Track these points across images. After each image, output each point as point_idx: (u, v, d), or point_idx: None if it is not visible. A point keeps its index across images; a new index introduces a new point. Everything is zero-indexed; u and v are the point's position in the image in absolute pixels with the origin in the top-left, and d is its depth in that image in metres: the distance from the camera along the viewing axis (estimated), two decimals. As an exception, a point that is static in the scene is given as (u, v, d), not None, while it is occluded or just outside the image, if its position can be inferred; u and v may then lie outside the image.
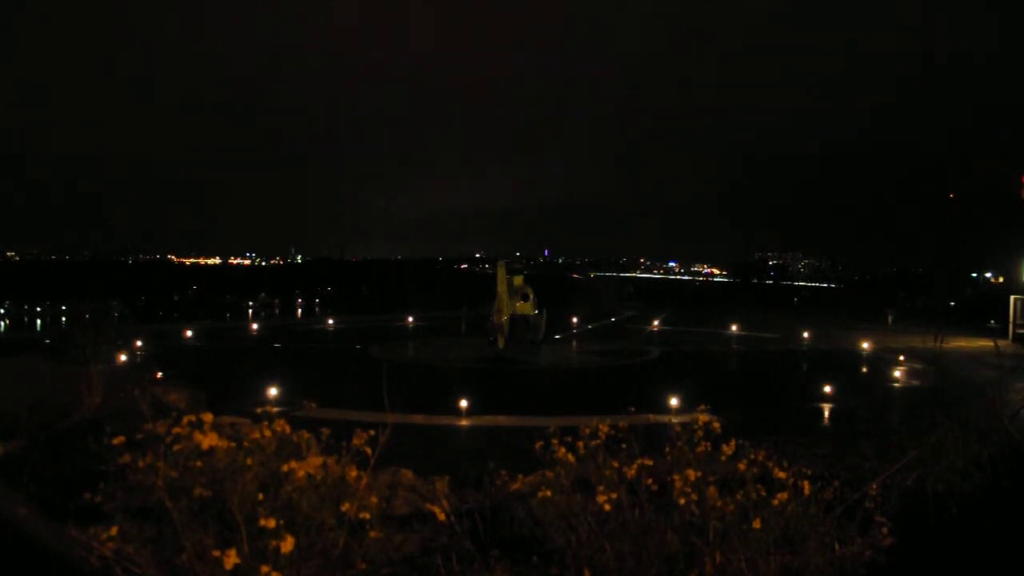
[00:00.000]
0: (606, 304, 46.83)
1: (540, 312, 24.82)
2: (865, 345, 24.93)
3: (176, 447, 3.34)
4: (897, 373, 19.24)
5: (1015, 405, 6.10)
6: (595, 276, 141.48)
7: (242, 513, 3.22)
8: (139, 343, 21.33)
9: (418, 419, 13.56)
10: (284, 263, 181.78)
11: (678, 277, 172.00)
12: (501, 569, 3.92)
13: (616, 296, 58.79)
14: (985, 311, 35.26)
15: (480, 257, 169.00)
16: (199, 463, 3.34)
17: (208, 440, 3.33)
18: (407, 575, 4.00)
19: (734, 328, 31.65)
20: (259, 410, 4.10)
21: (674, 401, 13.73)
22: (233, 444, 3.42)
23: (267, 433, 3.57)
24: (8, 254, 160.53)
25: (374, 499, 3.57)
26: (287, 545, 3.09)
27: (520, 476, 4.65)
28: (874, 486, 4.47)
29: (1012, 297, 29.58)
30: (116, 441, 3.43)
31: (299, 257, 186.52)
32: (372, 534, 3.47)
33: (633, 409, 5.10)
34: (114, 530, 3.24)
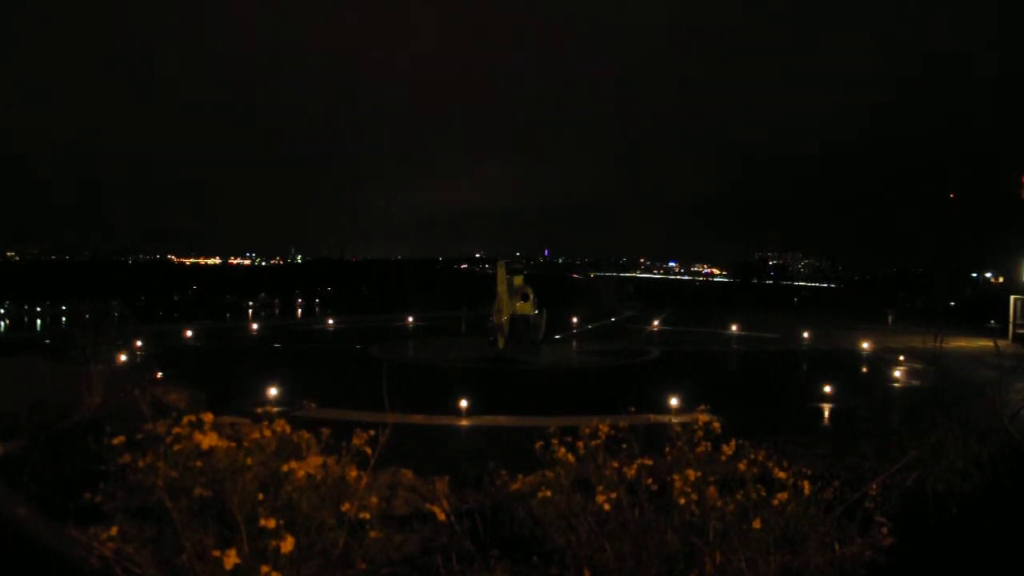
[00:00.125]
0: (606, 304, 46.79)
1: (540, 312, 24.81)
2: (865, 345, 24.93)
3: (176, 447, 3.34)
4: (897, 373, 19.22)
5: (1015, 405, 6.12)
6: (595, 276, 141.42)
7: (242, 513, 3.22)
8: (139, 343, 21.31)
9: (418, 419, 13.54)
10: (284, 263, 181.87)
11: (678, 277, 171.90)
12: (501, 569, 3.92)
13: (616, 296, 58.73)
14: (985, 311, 35.26)
15: (480, 257, 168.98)
16: (199, 463, 3.34)
17: (208, 440, 3.33)
18: (407, 575, 4.00)
19: (734, 328, 31.64)
20: (259, 410, 4.10)
21: (674, 401, 13.71)
22: (233, 444, 3.42)
23: (267, 433, 3.58)
24: (8, 254, 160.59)
25: (374, 499, 3.57)
26: (287, 545, 3.09)
27: (520, 476, 4.65)
28: (874, 486, 4.47)
29: (1012, 297, 29.57)
30: (116, 441, 3.44)
31: (299, 257, 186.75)
32: (372, 534, 3.47)
33: (633, 409, 5.11)
34: (114, 530, 3.24)
